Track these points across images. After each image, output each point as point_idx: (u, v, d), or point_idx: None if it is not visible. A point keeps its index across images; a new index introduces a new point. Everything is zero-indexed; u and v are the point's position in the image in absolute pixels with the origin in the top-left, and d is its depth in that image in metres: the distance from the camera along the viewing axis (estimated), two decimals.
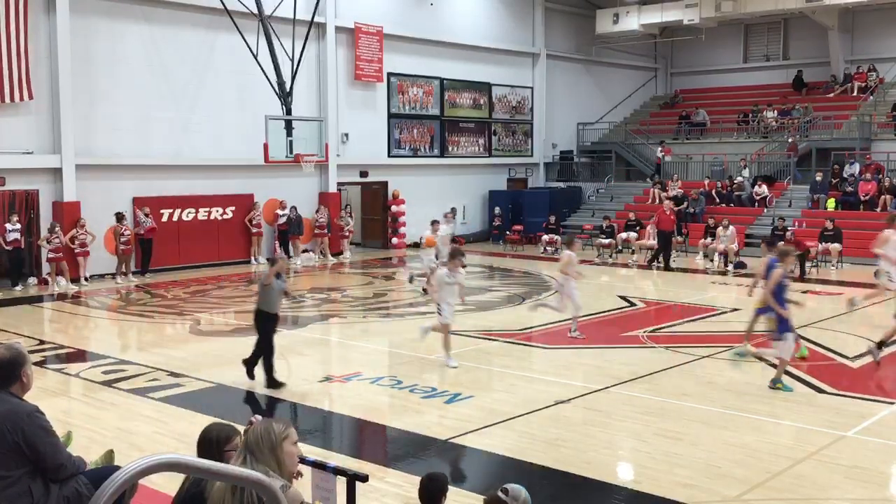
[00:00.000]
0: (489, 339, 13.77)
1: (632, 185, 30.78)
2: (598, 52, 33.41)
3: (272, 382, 10.69)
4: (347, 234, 25.59)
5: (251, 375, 10.88)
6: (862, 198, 24.52)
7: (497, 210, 29.40)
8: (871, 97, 29.53)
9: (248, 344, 11.33)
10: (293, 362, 12.35)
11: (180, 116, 21.96)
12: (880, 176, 25.13)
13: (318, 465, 5.29)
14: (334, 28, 25.01)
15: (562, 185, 31.44)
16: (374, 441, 9.50)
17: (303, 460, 4.80)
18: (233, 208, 23.05)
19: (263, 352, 10.72)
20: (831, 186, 25.52)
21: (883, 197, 24.12)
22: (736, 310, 16.32)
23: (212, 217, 22.68)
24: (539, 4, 31.36)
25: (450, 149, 29.12)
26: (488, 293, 18.65)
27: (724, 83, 34.30)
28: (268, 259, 11.22)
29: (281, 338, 13.89)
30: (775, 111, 30.30)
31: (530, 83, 31.52)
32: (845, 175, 25.76)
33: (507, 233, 28.55)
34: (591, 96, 33.77)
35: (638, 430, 9.16)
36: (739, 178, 27.34)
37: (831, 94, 30.57)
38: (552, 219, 27.23)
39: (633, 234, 24.97)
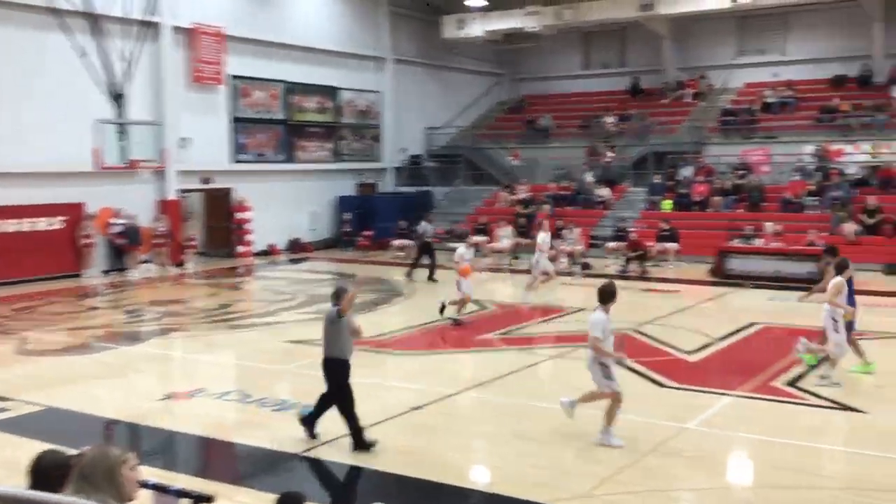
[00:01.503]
0: None
1: (481, 189, 31.22)
2: (445, 57, 33.71)
3: (362, 443, 8.56)
4: (189, 244, 24.58)
5: (313, 434, 8.90)
6: (695, 199, 25.86)
7: (347, 216, 29.08)
8: (703, 103, 31.25)
9: (82, 364, 10.55)
10: (131, 380, 11.62)
11: (4, 121, 20.38)
12: (712, 178, 26.59)
13: (159, 489, 4.88)
14: (171, 28, 23.96)
15: (412, 189, 31.48)
16: (221, 459, 9.04)
17: (143, 485, 4.39)
18: (63, 218, 21.60)
19: (342, 408, 8.69)
20: (667, 188, 26.77)
21: (714, 198, 25.53)
22: (582, 310, 16.74)
23: (38, 228, 21.16)
24: (385, 9, 31.30)
25: (297, 154, 28.55)
26: None
27: (566, 89, 35.38)
28: (334, 293, 9.01)
29: (117, 355, 13.07)
30: (614, 116, 31.52)
31: (378, 87, 31.41)
32: (680, 178, 27.09)
33: (358, 238, 28.28)
34: (439, 101, 34.03)
35: (492, 433, 9.16)
36: (589, 180, 28.29)
37: (666, 101, 32.12)
38: (403, 224, 27.19)
39: (483, 238, 25.28)
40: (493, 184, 30.96)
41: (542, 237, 17.86)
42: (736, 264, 20.64)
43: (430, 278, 20.57)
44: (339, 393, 8.65)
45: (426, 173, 32.77)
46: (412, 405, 9.96)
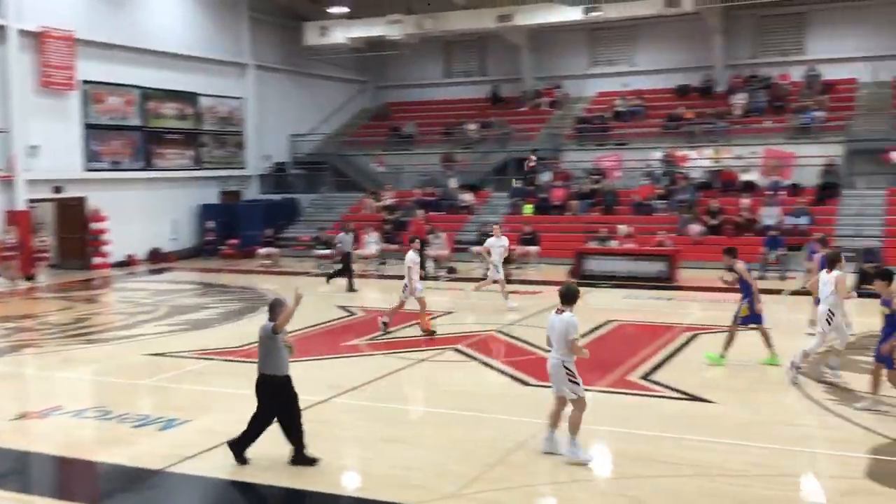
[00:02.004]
0: (206, 359, 13.22)
1: (347, 196, 31.20)
2: (309, 63, 33.50)
3: (304, 459, 8.30)
4: (41, 256, 23.40)
5: (243, 460, 8.41)
6: (554, 203, 26.79)
7: (210, 224, 28.42)
8: (559, 111, 32.38)
9: None
10: None
11: None
12: (569, 182, 27.62)
13: None
14: (17, 31, 22.78)
15: (277, 196, 31.11)
16: (81, 479, 8.72)
17: None
18: None
19: (287, 425, 8.36)
20: (528, 193, 27.59)
21: (571, 202, 26.54)
22: (449, 312, 17.08)
23: None
24: (245, 15, 30.81)
25: (155, 161, 27.67)
26: (203, 311, 17.93)
27: (429, 97, 35.87)
28: (271, 307, 8.53)
29: None
30: (476, 123, 32.21)
31: (240, 94, 30.87)
32: (539, 183, 27.99)
33: (222, 247, 27.69)
34: (304, 108, 33.78)
35: (363, 438, 9.25)
36: (453, 185, 28.78)
37: (524, 108, 33.10)
38: (268, 232, 26.84)
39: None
40: (359, 190, 31.03)
41: (493, 241, 17.92)
42: (593, 265, 21.54)
43: (351, 289, 20.36)
44: (275, 411, 8.29)
45: (291, 180, 32.46)
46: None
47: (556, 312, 8.46)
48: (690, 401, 10.53)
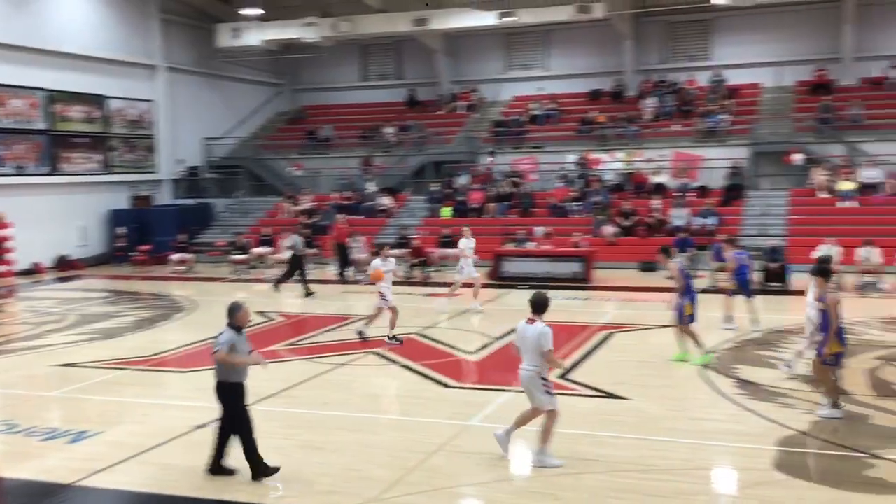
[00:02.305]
0: (118, 369, 12.85)
1: (263, 200, 30.78)
2: (222, 66, 32.91)
3: (263, 470, 8.08)
4: None
5: (221, 469, 8.19)
6: (472, 206, 26.99)
7: (121, 230, 27.62)
8: (476, 115, 32.65)
9: None
10: None
11: None
12: (486, 185, 27.87)
13: None
14: None
15: (191, 201, 30.45)
16: None
17: None
18: None
19: (239, 434, 8.07)
20: (446, 196, 27.72)
21: (489, 204, 26.78)
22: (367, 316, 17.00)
23: None
24: (156, 16, 30.08)
25: (62, 166, 26.75)
26: (114, 319, 17.41)
27: (346, 100, 35.69)
28: (229, 310, 8.18)
29: None
30: (394, 127, 32.20)
31: (151, 96, 30.11)
32: (457, 185, 28.17)
33: (133, 254, 26.94)
34: (217, 111, 33.16)
35: (281, 445, 9.12)
36: (371, 189, 28.69)
37: (441, 112, 33.25)
38: (182, 237, 26.25)
39: (267, 249, 24.96)
40: (276, 194, 30.65)
41: (464, 243, 17.92)
42: (511, 267, 21.78)
43: (307, 293, 20.00)
44: (233, 418, 8.06)
45: (205, 185, 31.82)
46: (196, 423, 9.72)
47: (528, 322, 8.29)
48: (606, 398, 10.75)
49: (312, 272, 23.87)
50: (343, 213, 26.27)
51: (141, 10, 29.70)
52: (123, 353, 13.95)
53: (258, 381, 11.77)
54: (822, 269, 9.97)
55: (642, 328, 15.25)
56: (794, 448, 8.69)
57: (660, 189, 25.95)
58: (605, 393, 10.93)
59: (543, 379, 8.22)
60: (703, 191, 25.70)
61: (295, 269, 20.67)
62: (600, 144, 28.82)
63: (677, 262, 12.95)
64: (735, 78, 30.27)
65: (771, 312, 15.97)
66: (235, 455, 8.14)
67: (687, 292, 12.40)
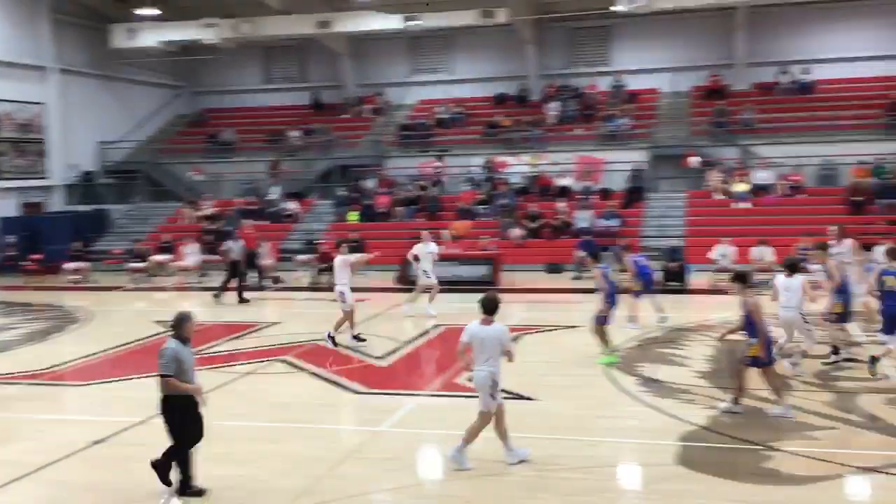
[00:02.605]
0: (9, 384, 12.24)
1: (163, 206, 29.91)
2: (119, 67, 31.82)
3: (190, 489, 7.83)
4: None
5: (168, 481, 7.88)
6: (380, 210, 26.89)
7: (10, 238, 26.37)
8: (382, 118, 32.55)
9: None
10: None
11: None
12: (393, 189, 27.82)
13: None
14: None
15: (86, 208, 29.34)
16: None
17: None
18: None
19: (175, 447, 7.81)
20: (353, 200, 27.53)
21: (397, 208, 26.74)
22: (276, 323, 16.74)
23: None
24: (46, 15, 28.86)
25: None
26: (4, 332, 16.60)
27: (249, 103, 35.04)
28: (176, 321, 7.73)
29: None
30: (299, 131, 31.79)
31: (41, 99, 28.86)
32: (364, 189, 28.02)
33: (24, 263, 25.72)
34: (114, 114, 32.03)
35: None
36: (276, 193, 28.24)
37: (347, 115, 33.02)
38: (77, 245, 25.25)
39: (167, 257, 24.25)
40: (176, 200, 29.84)
41: (421, 248, 17.67)
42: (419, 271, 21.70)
43: (241, 300, 19.37)
44: (187, 431, 7.75)
45: (101, 191, 30.67)
46: (95, 438, 9.34)
47: (482, 323, 8.28)
48: (515, 399, 10.81)
49: (216, 280, 23.35)
50: (247, 218, 25.75)
51: (30, 10, 28.46)
52: (15, 366, 13.30)
53: (157, 394, 11.41)
54: (740, 275, 10.03)
55: (549, 329, 15.46)
56: (694, 442, 8.94)
57: (564, 192, 26.40)
58: (513, 394, 10.98)
59: (495, 382, 8.26)
60: (605, 193, 26.27)
61: (233, 275, 20.02)
62: (506, 148, 29.12)
63: (602, 266, 13.19)
64: (634, 83, 31.06)
65: (671, 311, 16.43)
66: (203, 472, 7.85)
67: (609, 296, 12.60)
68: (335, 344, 13.98)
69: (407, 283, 21.34)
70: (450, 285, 20.54)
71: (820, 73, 29.18)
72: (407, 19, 28.66)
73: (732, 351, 12.79)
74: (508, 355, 8.28)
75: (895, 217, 22.15)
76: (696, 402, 10.35)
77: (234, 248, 20.17)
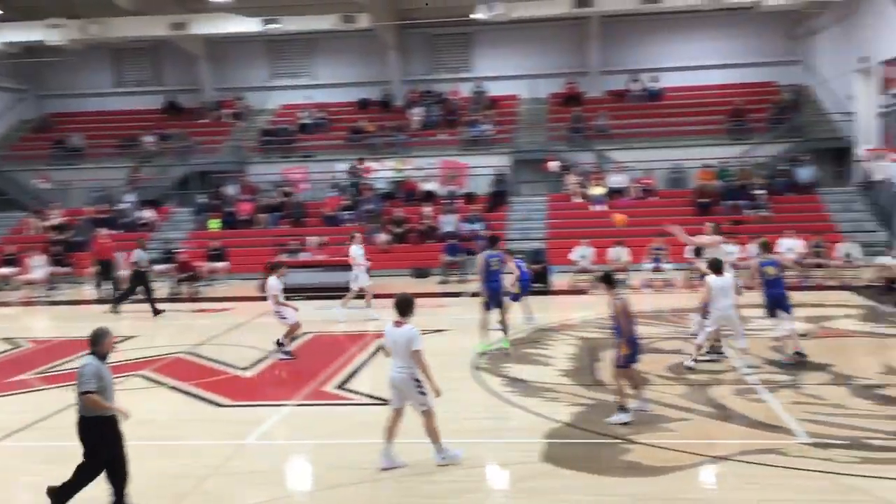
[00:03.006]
0: None
1: (6, 216, 28.14)
2: None
3: None
4: None
5: None
6: (242, 217, 26.27)
7: None
8: (243, 123, 31.82)
9: None
10: None
11: None
12: (256, 196, 27.24)
13: None
14: None
15: None
16: None
17: None
18: None
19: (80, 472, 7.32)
20: (214, 208, 26.77)
21: (260, 215, 26.20)
22: (132, 337, 16.05)
23: None
24: None
25: None
26: None
27: (99, 107, 33.45)
28: (93, 337, 7.21)
29: None
30: (154, 136, 30.64)
31: None
32: (225, 196, 27.30)
33: None
34: None
35: (36, 483, 8.33)
36: (129, 201, 27.09)
37: (205, 120, 32.08)
38: None
39: (12, 270, 22.82)
40: (20, 209, 28.18)
41: (355, 250, 17.21)
42: (285, 278, 21.32)
43: (156, 312, 18.20)
44: (103, 454, 7.33)
45: None
46: None
47: (395, 325, 8.28)
48: (384, 405, 10.79)
49: (66, 292, 22.22)
50: (100, 227, 24.59)
51: None
52: None
53: (6, 414, 10.71)
54: (607, 276, 10.11)
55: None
56: (559, 439, 9.17)
57: (429, 196, 26.61)
58: (384, 400, 10.94)
59: (416, 380, 8.27)
60: (470, 197, 26.65)
61: (137, 286, 18.86)
62: (370, 153, 29.08)
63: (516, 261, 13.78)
64: (495, 89, 31.68)
65: (535, 312, 16.84)
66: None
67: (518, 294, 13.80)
68: (287, 353, 13.67)
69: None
70: (316, 293, 20.35)
71: (668, 80, 30.68)
72: (266, 22, 28.18)
73: (593, 349, 13.27)
74: (415, 357, 8.23)
75: (739, 217, 23.53)
76: (560, 400, 10.63)
77: (142, 257, 19.06)
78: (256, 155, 29.95)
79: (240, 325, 16.96)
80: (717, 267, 11.65)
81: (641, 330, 14.40)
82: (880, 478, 7.70)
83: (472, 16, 27.45)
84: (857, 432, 8.95)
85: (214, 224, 26.10)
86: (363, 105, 31.95)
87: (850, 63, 26.05)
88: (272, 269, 14.47)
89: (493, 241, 14.27)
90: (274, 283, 13.99)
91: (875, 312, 16.25)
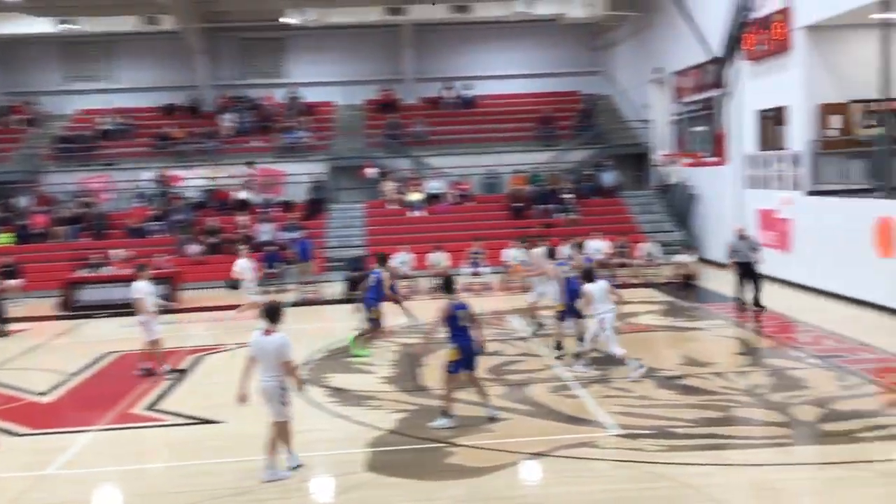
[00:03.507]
0: None
1: None
2: None
3: None
4: None
5: None
6: (36, 230, 24.45)
7: None
8: (36, 129, 29.61)
9: None
10: None
11: None
12: (52, 207, 25.42)
13: None
14: None
15: None
16: None
17: None
18: None
19: None
20: (4, 221, 24.77)
21: (56, 228, 24.46)
22: None
23: None
24: None
25: None
26: None
27: None
28: None
29: None
30: None
31: None
32: (17, 208, 25.32)
33: None
34: None
35: None
36: None
37: None
38: None
39: None
40: None
41: (242, 264, 16.70)
42: (86, 295, 20.08)
43: (3, 334, 16.27)
44: None
45: None
46: None
47: (265, 334, 8.11)
48: (200, 424, 10.32)
49: None
50: None
51: None
52: None
53: None
54: (447, 282, 10.13)
55: (233, 347, 14.92)
56: (382, 447, 9.09)
57: (244, 205, 25.84)
58: (200, 419, 10.48)
59: (283, 389, 8.19)
60: (287, 206, 26.14)
61: None
62: (179, 161, 27.90)
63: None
64: (310, 95, 31.29)
65: (354, 320, 16.74)
66: None
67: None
68: (174, 370, 12.83)
69: (72, 308, 19.66)
70: (121, 309, 19.22)
71: (480, 89, 31.50)
72: (61, 22, 26.43)
73: (415, 355, 13.31)
74: (286, 367, 8.16)
75: (550, 220, 24.46)
76: (383, 408, 10.56)
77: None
78: (52, 163, 27.97)
79: (35, 347, 15.72)
80: (589, 274, 11.91)
81: None
82: (685, 464, 8.17)
83: (283, 20, 27.00)
84: (662, 422, 9.47)
85: (5, 238, 24.11)
86: (170, 110, 30.62)
87: (646, 74, 27.80)
88: (139, 271, 13.15)
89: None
90: (143, 287, 12.78)
91: (674, 307, 17.36)
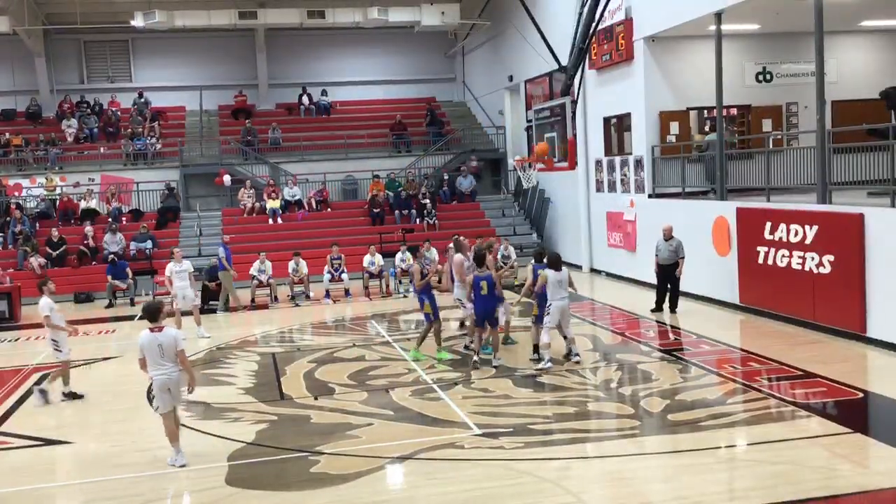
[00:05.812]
0: None
1: None
2: None
3: None
4: None
5: None
6: None
7: None
8: None
9: None
10: None
11: None
12: None
13: None
14: None
15: None
16: None
17: None
18: None
19: None
20: None
21: None
22: None
23: None
24: None
25: None
26: None
27: None
28: None
29: None
30: None
31: None
32: None
33: None
34: None
35: None
36: None
37: None
38: None
39: None
40: None
41: (172, 267, 16.07)
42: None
43: None
44: None
45: None
46: None
47: (155, 330, 8.54)
48: (46, 445, 9.79)
49: None
50: None
51: None
52: None
53: None
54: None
55: (81, 363, 14.23)
56: (244, 460, 8.91)
57: (90, 215, 24.65)
58: (45, 440, 9.94)
59: (175, 382, 8.70)
60: (137, 214, 25.14)
61: None
62: (19, 169, 26.34)
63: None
64: (160, 101, 30.27)
65: (214, 331, 16.30)
66: None
67: None
68: (47, 401, 11.61)
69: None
70: None
71: (337, 95, 31.39)
72: None
73: (275, 364, 13.10)
74: (181, 357, 8.66)
75: (409, 226, 24.65)
76: (244, 420, 10.35)
77: None
78: None
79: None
80: (555, 262, 12.29)
81: (322, 340, 14.61)
82: (543, 459, 8.44)
83: (131, 23, 25.99)
84: (521, 419, 9.74)
85: None
86: (8, 116, 28.90)
87: (500, 81, 28.48)
88: (41, 285, 11.88)
89: None
90: (45, 302, 11.62)
91: (531, 307, 17.79)
